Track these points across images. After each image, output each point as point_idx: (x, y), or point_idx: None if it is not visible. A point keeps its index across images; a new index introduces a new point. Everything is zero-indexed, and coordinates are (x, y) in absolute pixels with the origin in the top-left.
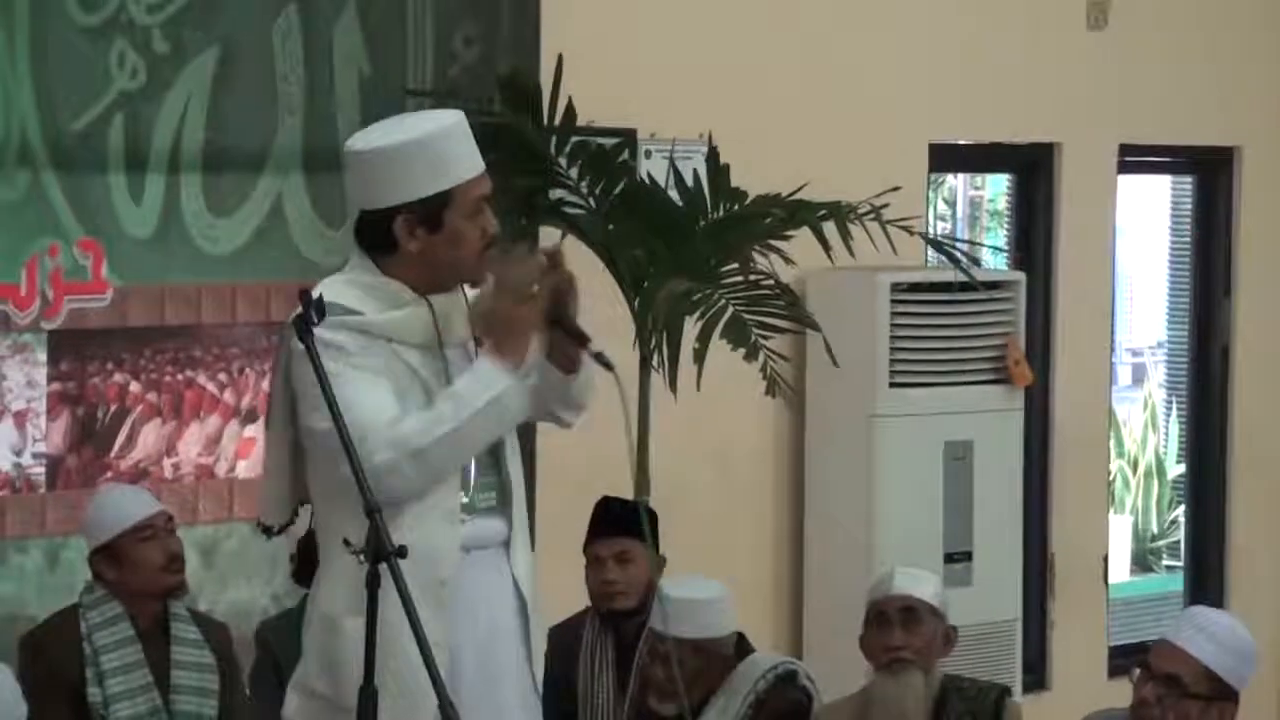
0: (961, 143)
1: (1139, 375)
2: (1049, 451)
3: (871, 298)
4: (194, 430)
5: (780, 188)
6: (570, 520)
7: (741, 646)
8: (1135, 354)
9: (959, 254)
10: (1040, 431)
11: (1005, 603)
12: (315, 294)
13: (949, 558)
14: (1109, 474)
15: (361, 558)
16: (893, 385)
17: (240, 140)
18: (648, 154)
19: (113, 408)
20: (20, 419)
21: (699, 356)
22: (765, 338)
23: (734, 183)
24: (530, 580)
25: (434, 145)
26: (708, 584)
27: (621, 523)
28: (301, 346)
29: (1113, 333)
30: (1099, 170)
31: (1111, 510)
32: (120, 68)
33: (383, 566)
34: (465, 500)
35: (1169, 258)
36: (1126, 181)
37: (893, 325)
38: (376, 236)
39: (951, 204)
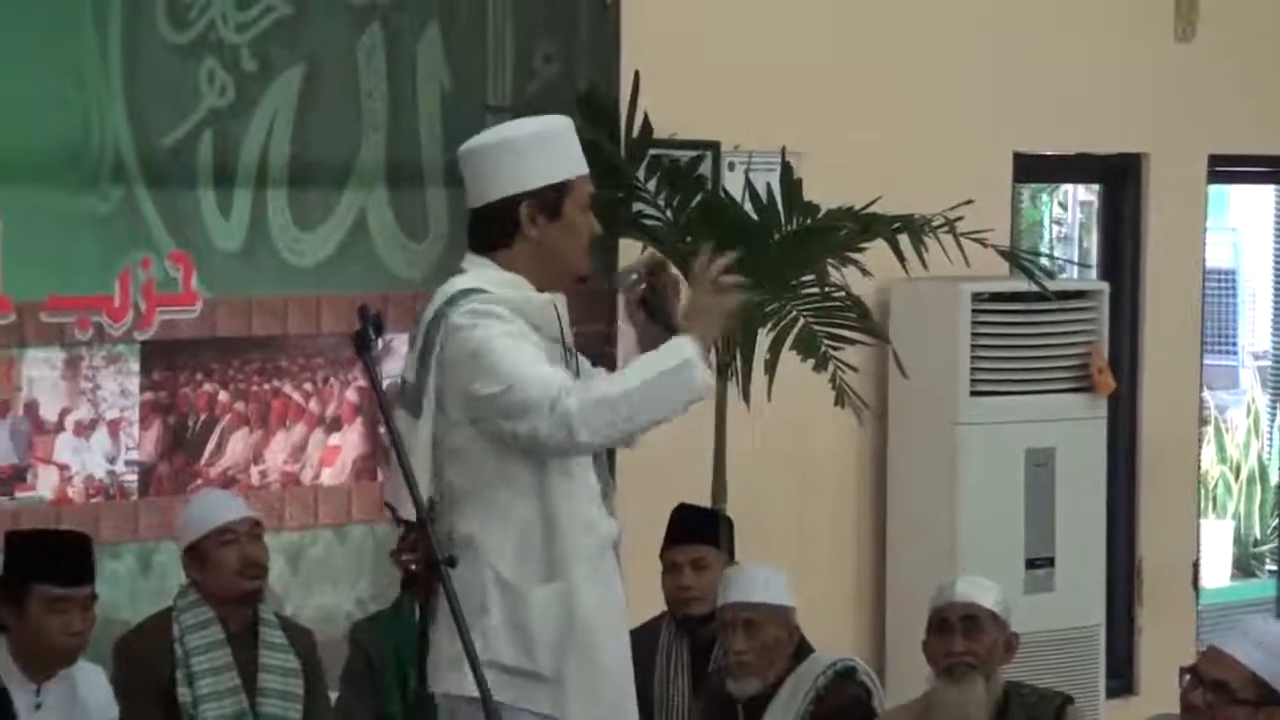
0: (1047, 153)
1: (1265, 379)
2: (1136, 458)
3: (954, 308)
4: (280, 438)
5: (864, 199)
6: (649, 527)
7: (803, 647)
8: (1258, 357)
9: (1031, 266)
10: (1128, 439)
11: (1089, 608)
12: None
13: (1030, 563)
14: (1200, 480)
15: (415, 565)
16: (974, 394)
17: (325, 155)
18: (731, 166)
19: (202, 416)
20: (114, 427)
21: (769, 367)
22: (835, 348)
23: (819, 194)
24: None
25: (554, 138)
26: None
27: (697, 529)
28: (457, 323)
29: (1202, 341)
30: (1188, 180)
31: (1214, 515)
32: (209, 85)
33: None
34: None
35: (1273, 265)
36: (1249, 191)
37: (974, 335)
38: (495, 229)
39: (1066, 208)
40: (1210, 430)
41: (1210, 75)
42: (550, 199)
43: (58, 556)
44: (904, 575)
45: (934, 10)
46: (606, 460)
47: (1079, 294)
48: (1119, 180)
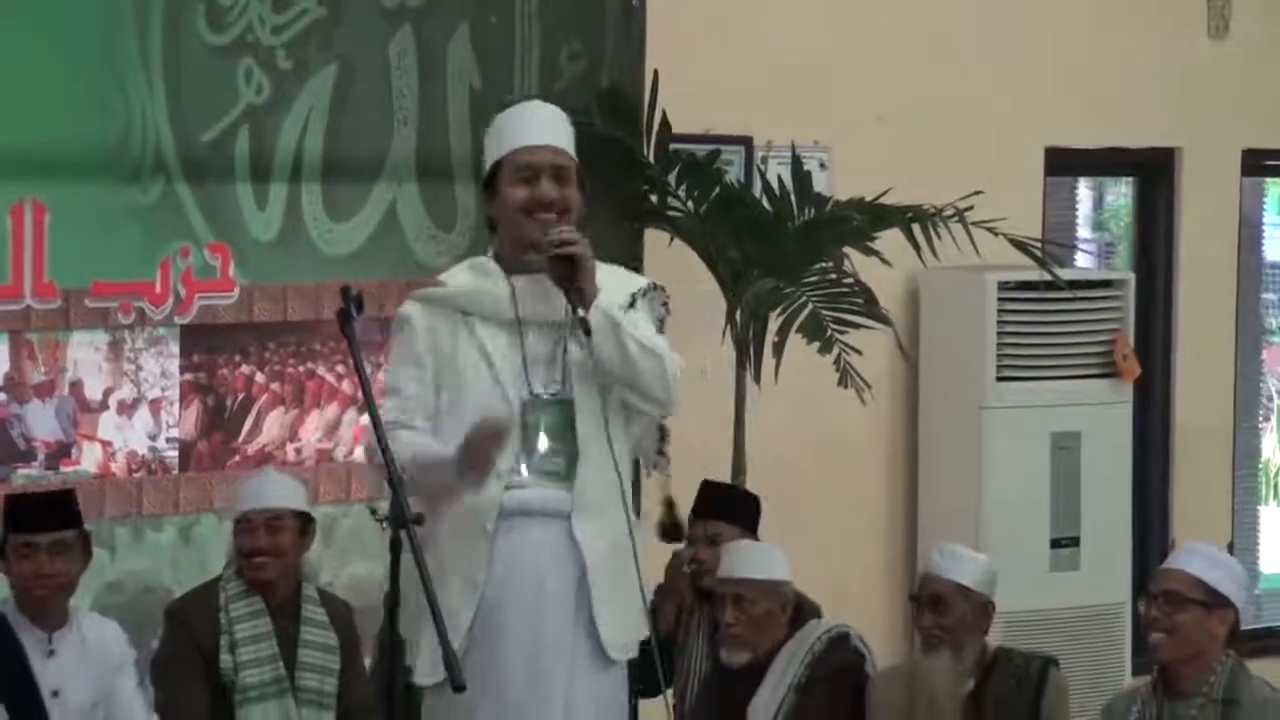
0: (1079, 147)
1: None
2: (1170, 443)
3: (980, 296)
4: (314, 418)
5: (895, 191)
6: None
7: (802, 615)
8: None
9: (1040, 254)
10: (1161, 424)
11: (1114, 587)
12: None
13: (1055, 543)
14: (1262, 468)
15: (385, 524)
16: (1000, 379)
17: (357, 150)
18: (763, 161)
19: (240, 396)
20: (155, 406)
21: (777, 350)
22: (841, 332)
23: (851, 188)
24: (607, 551)
25: (497, 126)
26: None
27: (716, 505)
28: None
29: (1237, 329)
30: (1221, 174)
31: (1275, 503)
32: (247, 84)
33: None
34: (525, 468)
35: None
36: None
37: (1000, 322)
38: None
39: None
40: (1274, 419)
41: (1244, 70)
42: (490, 182)
43: (26, 508)
44: None
45: (967, 5)
46: (567, 431)
47: (1105, 283)
48: (1153, 174)
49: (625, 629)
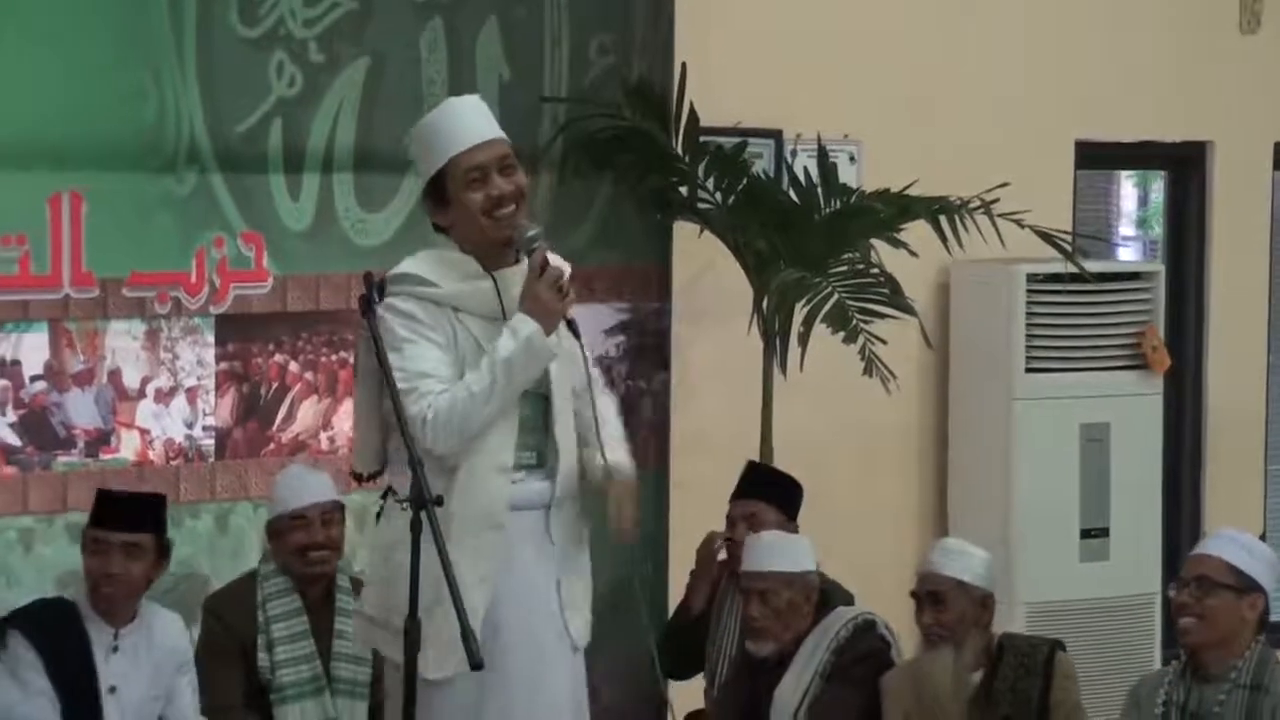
0: (1109, 140)
1: None
2: (1202, 435)
3: (1010, 288)
4: (347, 406)
5: (927, 185)
6: (706, 487)
7: (829, 601)
8: None
9: (1065, 246)
10: (1193, 416)
11: (1144, 577)
12: (376, 277)
13: (1085, 533)
14: (1266, 454)
15: (405, 506)
16: (1029, 370)
17: (388, 142)
18: (793, 154)
19: (274, 385)
20: (192, 395)
21: (802, 339)
22: (866, 322)
23: (880, 180)
24: (572, 541)
25: (426, 132)
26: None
27: (756, 487)
28: (379, 312)
29: (1269, 321)
30: (1253, 168)
31: None
32: (279, 77)
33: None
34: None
35: None
36: None
37: (1029, 314)
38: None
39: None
40: None
41: (1275, 64)
42: (435, 190)
43: (109, 504)
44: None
45: None
46: (545, 429)
47: (1134, 275)
48: (1184, 167)
49: (585, 618)
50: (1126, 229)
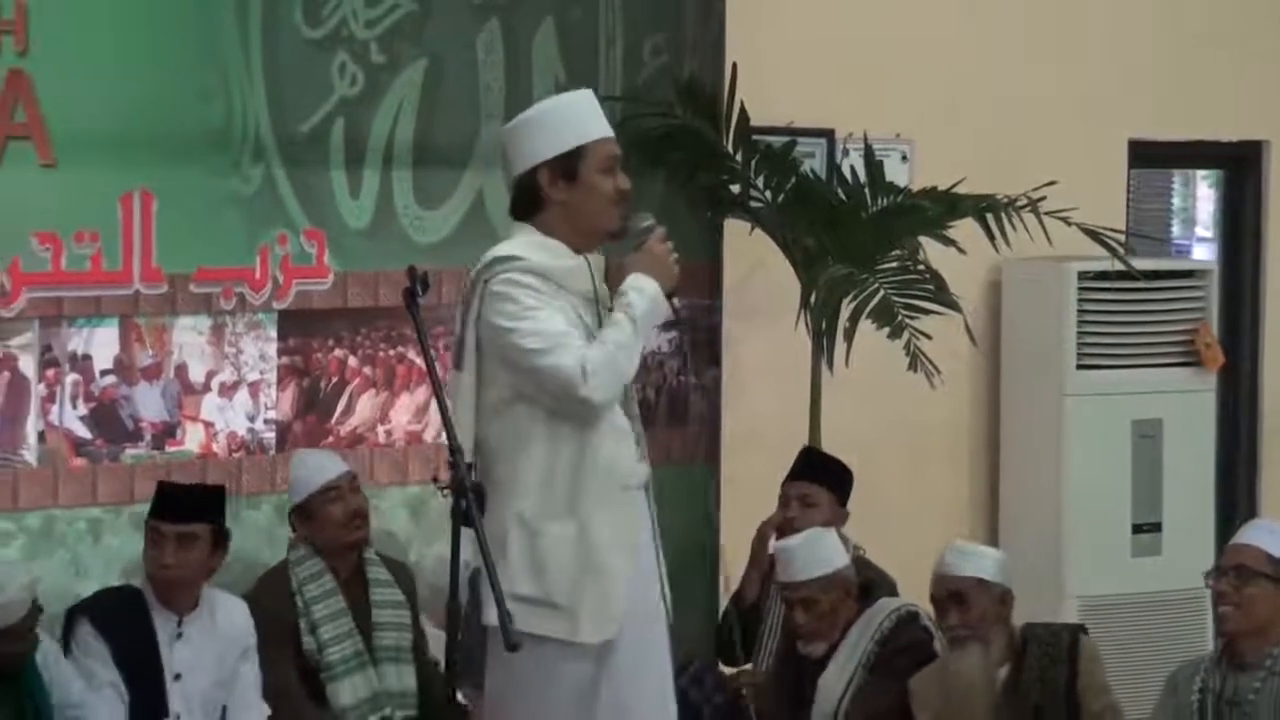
0: (1163, 139)
1: None
2: (1258, 430)
3: (1061, 285)
4: (404, 400)
5: (979, 184)
6: (757, 482)
7: (871, 591)
8: None
9: (1114, 243)
10: (1249, 412)
11: (1197, 572)
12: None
13: (1137, 528)
14: None
15: (445, 493)
16: (1080, 367)
17: (446, 141)
18: (845, 153)
19: (333, 380)
20: (254, 389)
21: (848, 335)
22: (911, 318)
23: (933, 180)
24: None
25: (566, 109)
26: (809, 532)
27: (811, 469)
28: (493, 289)
29: None
30: None
31: None
32: (341, 76)
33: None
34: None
35: None
36: None
37: (1081, 311)
38: (527, 198)
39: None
40: None
41: None
42: (565, 164)
43: (167, 495)
44: (1016, 538)
45: None
46: (639, 409)
47: (1187, 273)
48: (1240, 166)
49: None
50: (1202, 230)
